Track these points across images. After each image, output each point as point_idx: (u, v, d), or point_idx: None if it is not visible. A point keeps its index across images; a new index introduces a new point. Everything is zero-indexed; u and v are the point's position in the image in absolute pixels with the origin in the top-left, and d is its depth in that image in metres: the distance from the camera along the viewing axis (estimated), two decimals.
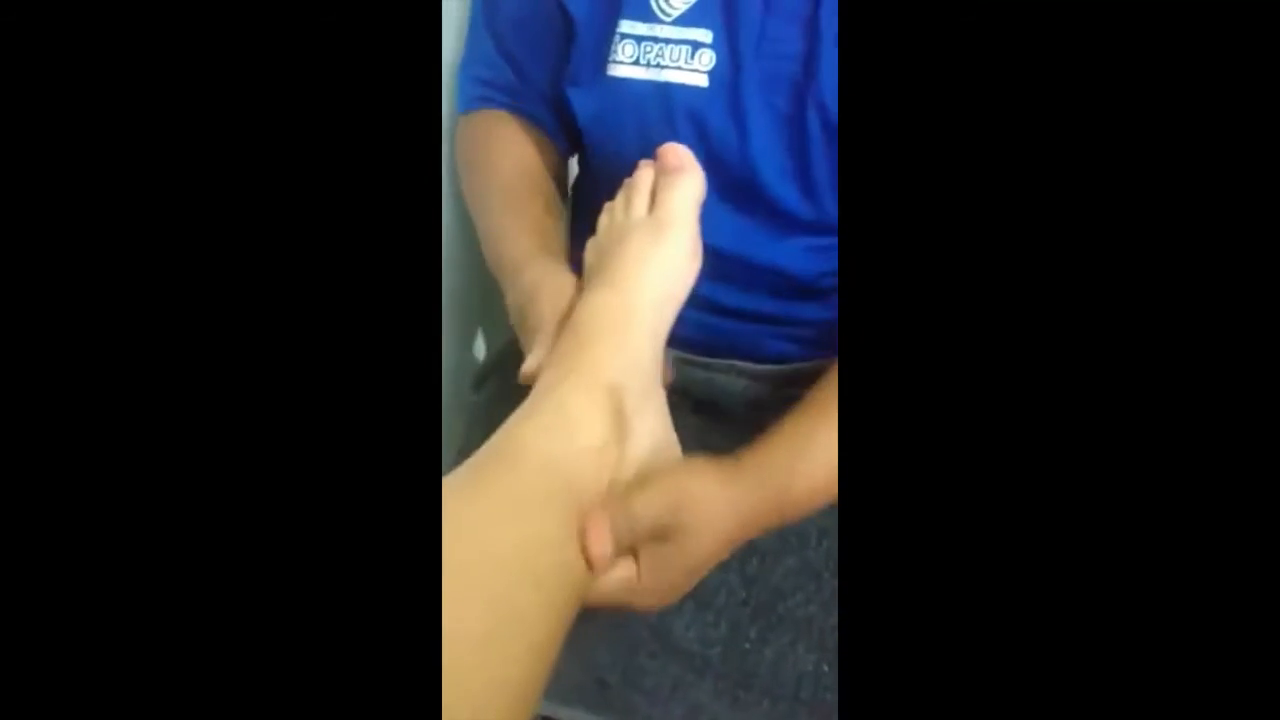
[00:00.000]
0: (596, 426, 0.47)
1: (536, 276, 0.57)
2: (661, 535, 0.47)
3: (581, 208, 0.78)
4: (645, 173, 0.58)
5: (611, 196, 0.69)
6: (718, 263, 0.67)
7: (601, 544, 0.44)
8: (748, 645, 0.59)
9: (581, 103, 0.69)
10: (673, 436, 0.53)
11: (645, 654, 0.59)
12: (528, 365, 0.52)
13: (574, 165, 0.81)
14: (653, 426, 0.51)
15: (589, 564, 0.44)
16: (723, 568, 0.61)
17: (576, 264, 0.59)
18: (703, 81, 0.64)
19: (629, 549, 0.47)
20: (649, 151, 0.64)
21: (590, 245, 0.60)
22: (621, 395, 0.49)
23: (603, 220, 0.60)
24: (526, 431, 0.47)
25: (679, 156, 0.57)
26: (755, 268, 0.67)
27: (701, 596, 0.60)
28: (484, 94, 0.75)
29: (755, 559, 0.61)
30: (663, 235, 0.54)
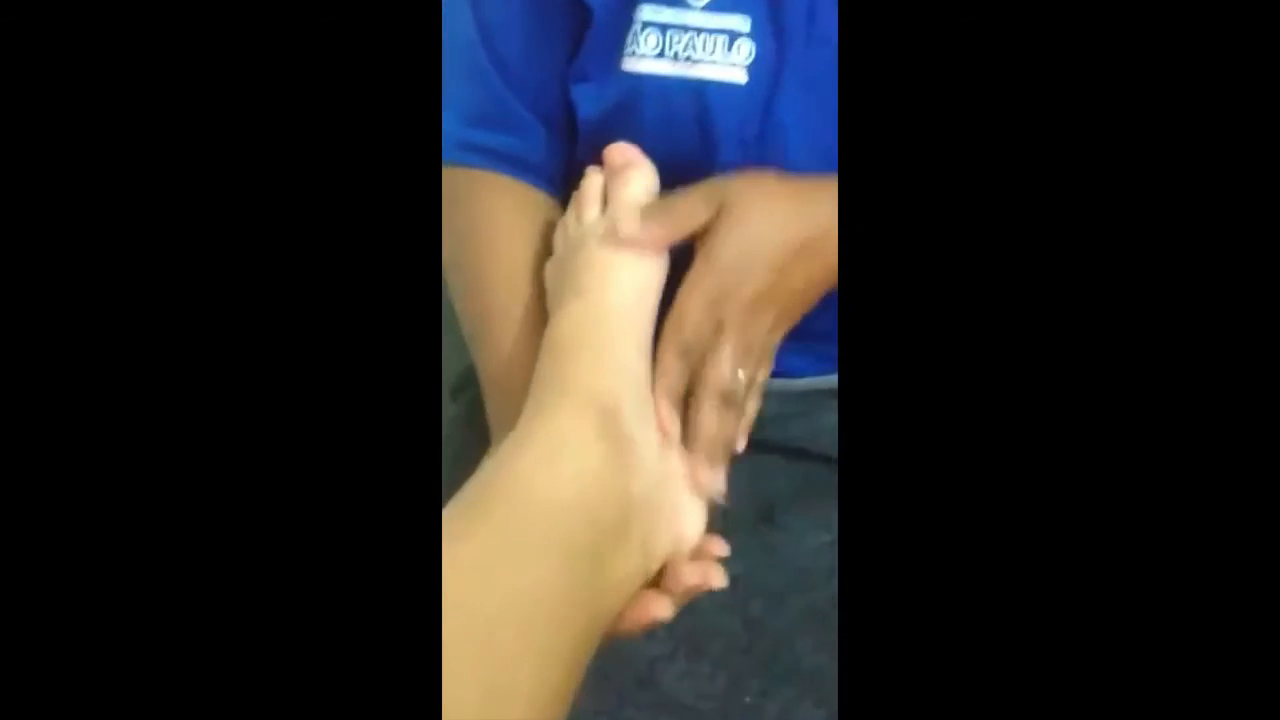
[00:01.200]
0: (593, 447, 0.43)
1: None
2: (714, 221, 0.48)
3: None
4: (593, 179, 0.55)
5: None
6: None
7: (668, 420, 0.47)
8: (749, 699, 0.53)
9: (588, 101, 0.60)
10: (675, 446, 0.48)
11: (633, 706, 0.53)
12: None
13: None
14: (654, 439, 0.47)
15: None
16: (721, 609, 0.55)
17: None
18: (741, 77, 0.56)
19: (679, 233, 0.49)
20: (673, 158, 0.58)
21: (549, 266, 0.55)
22: (616, 408, 0.45)
23: (557, 236, 0.55)
24: (518, 464, 0.43)
25: (625, 154, 0.54)
26: None
27: (696, 642, 0.54)
28: (474, 139, 0.63)
29: (758, 600, 0.55)
30: (618, 234, 0.50)
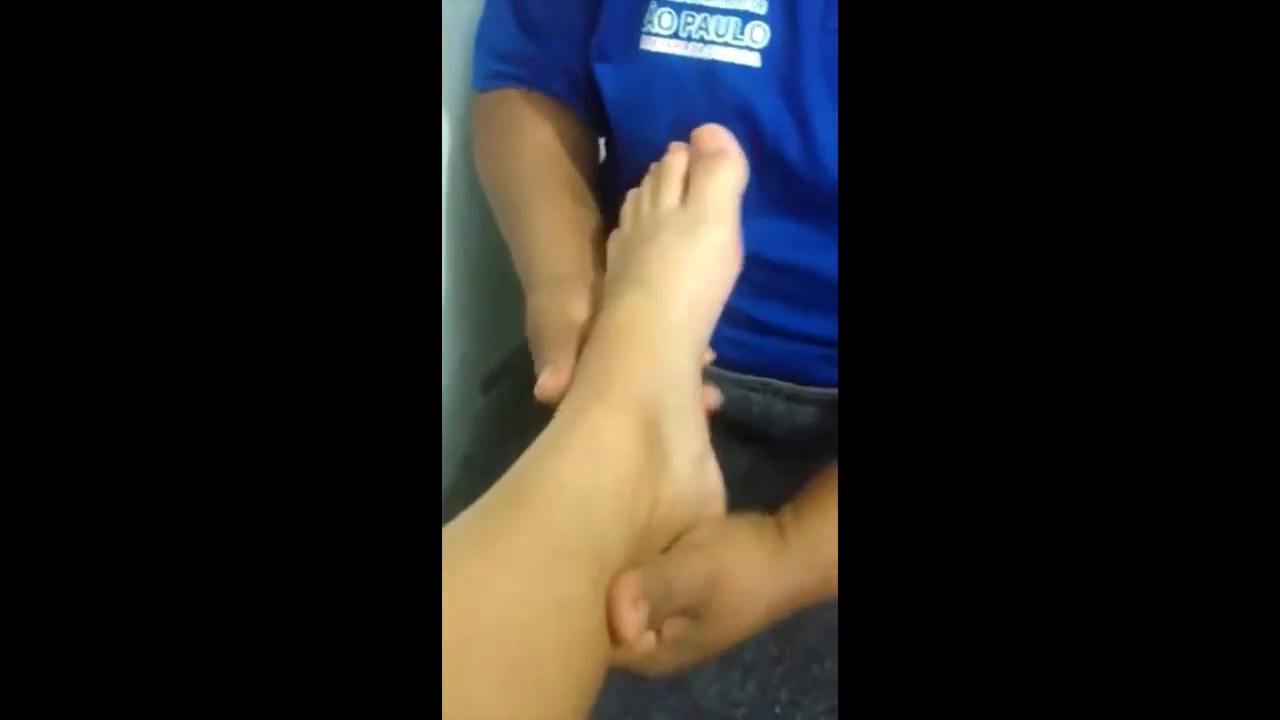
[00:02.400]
0: (631, 455, 0.42)
1: (557, 285, 0.52)
2: (694, 613, 0.42)
3: (605, 199, 0.71)
4: (678, 157, 0.52)
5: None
6: (765, 274, 0.60)
7: (631, 623, 0.38)
8: (778, 710, 0.53)
9: (610, 81, 0.61)
10: (712, 458, 0.47)
11: (662, 710, 0.53)
12: (546, 381, 0.46)
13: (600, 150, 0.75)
14: (691, 448, 0.45)
15: (614, 637, 0.38)
16: None
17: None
18: (754, 61, 0.55)
19: (656, 622, 0.41)
20: (687, 140, 0.58)
21: (614, 240, 0.53)
22: (658, 416, 0.43)
23: (627, 210, 0.53)
24: (556, 467, 0.41)
25: (718, 139, 0.51)
26: (809, 279, 0.60)
27: (727, 651, 0.54)
28: (502, 69, 0.67)
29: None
30: (699, 230, 0.48)
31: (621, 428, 0.42)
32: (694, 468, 0.45)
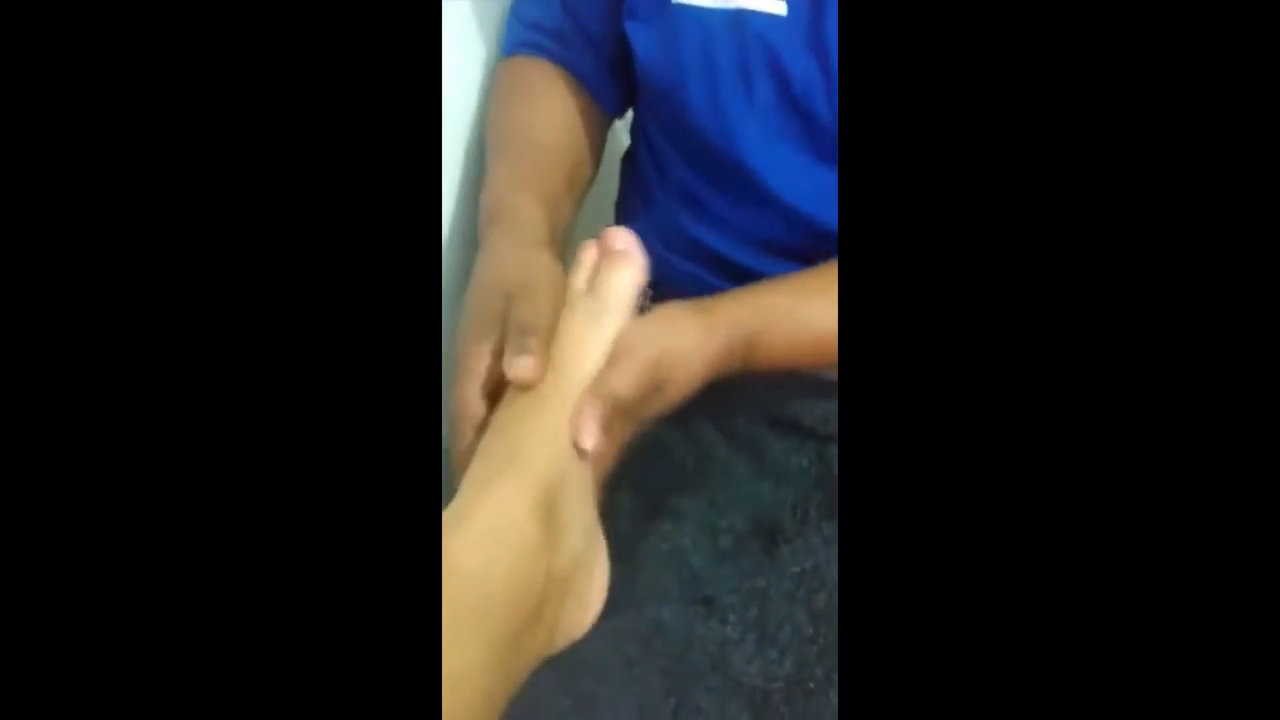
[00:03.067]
0: (529, 534, 0.45)
1: (537, 268, 0.54)
2: (645, 398, 0.50)
3: (634, 175, 0.74)
4: (588, 252, 0.56)
5: (676, 155, 0.66)
6: (795, 230, 0.62)
7: (592, 435, 0.48)
8: (813, 685, 0.56)
9: (641, 38, 0.63)
10: (599, 527, 0.51)
11: (701, 688, 0.56)
12: (527, 370, 0.49)
13: (624, 138, 0.77)
14: (583, 521, 0.49)
15: (579, 452, 0.48)
16: (789, 599, 0.58)
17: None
18: (780, 9, 0.57)
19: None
20: (717, 97, 0.60)
21: None
22: (556, 493, 0.47)
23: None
24: (457, 545, 0.44)
25: (623, 241, 0.54)
26: (829, 238, 0.61)
27: (765, 630, 0.57)
28: (531, 39, 0.69)
29: (823, 594, 0.58)
30: (603, 320, 0.52)
31: (522, 507, 0.46)
32: (584, 540, 0.49)
